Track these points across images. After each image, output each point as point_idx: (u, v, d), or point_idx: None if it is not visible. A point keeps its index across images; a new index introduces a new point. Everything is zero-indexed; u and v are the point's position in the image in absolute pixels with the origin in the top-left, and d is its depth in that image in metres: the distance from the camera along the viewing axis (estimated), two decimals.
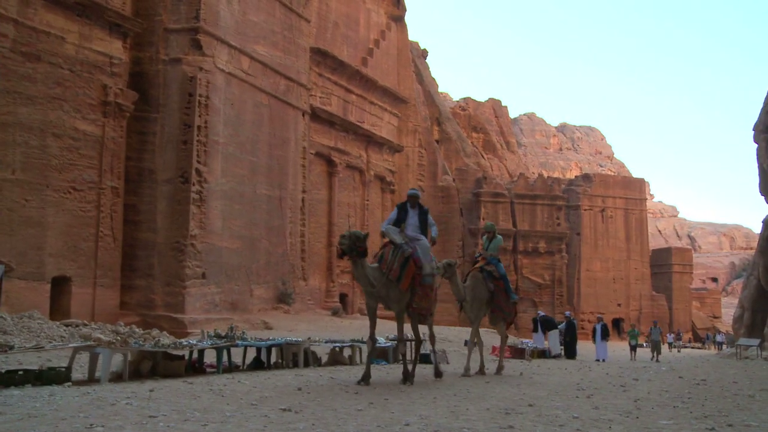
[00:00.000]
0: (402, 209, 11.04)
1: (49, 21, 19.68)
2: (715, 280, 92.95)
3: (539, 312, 31.31)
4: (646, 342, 37.74)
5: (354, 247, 9.94)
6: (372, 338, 10.67)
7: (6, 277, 15.54)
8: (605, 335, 24.81)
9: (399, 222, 10.90)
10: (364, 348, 16.96)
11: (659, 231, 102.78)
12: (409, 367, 10.96)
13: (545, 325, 25.29)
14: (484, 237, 14.07)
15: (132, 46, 22.62)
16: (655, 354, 27.18)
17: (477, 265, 13.58)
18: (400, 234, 10.75)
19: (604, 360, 23.20)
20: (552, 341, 24.32)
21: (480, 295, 13.15)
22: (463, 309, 13.44)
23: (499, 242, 13.83)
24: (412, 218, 11.01)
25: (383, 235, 11.04)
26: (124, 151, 22.05)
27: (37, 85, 19.30)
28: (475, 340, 13.88)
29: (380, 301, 10.64)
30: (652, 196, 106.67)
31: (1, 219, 18.29)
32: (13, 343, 12.96)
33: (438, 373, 11.79)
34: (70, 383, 9.48)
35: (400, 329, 11.24)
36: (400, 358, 13.06)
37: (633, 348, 27.48)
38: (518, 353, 21.95)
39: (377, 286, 10.28)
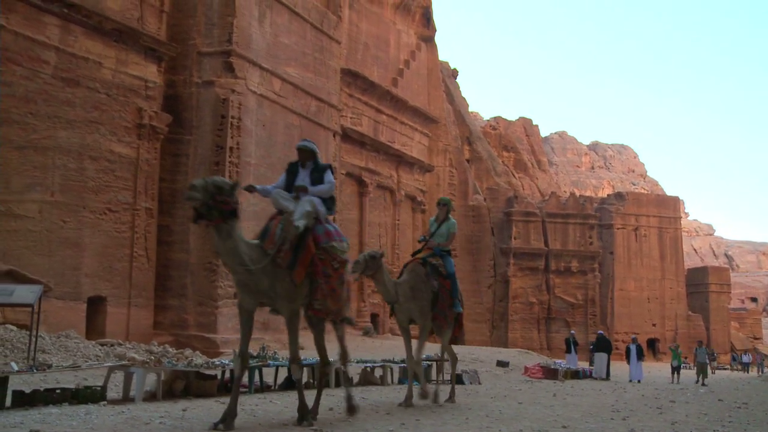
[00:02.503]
0: (291, 170, 7.97)
1: (88, 47, 20.21)
2: (754, 299, 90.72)
3: (571, 331, 30.89)
4: (685, 362, 36.73)
5: (214, 205, 6.65)
6: (243, 355, 7.23)
7: (44, 296, 15.84)
8: (640, 356, 24.31)
9: (288, 188, 7.86)
10: (396, 369, 16.95)
11: (695, 250, 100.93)
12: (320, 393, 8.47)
13: (600, 346, 24.40)
14: (433, 219, 10.62)
15: (166, 69, 23.09)
16: (701, 377, 24.46)
17: (418, 256, 10.30)
18: (293, 201, 7.63)
19: (639, 381, 22.75)
20: (598, 363, 23.66)
21: (420, 295, 9.89)
22: (394, 314, 10.19)
23: (452, 227, 10.50)
24: (304, 181, 7.80)
25: (275, 204, 7.83)
26: (158, 172, 22.43)
27: (76, 110, 19.79)
28: (446, 357, 11.78)
29: (260, 298, 7.33)
30: (687, 214, 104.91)
31: (40, 240, 18.71)
32: (51, 362, 13.20)
33: (351, 408, 8.29)
34: (105, 402, 9.61)
35: (294, 342, 7.49)
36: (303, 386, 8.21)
37: (675, 369, 25.53)
38: (551, 374, 21.65)
39: (256, 272, 6.90)
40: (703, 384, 22.53)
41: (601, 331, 28.72)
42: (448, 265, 10.33)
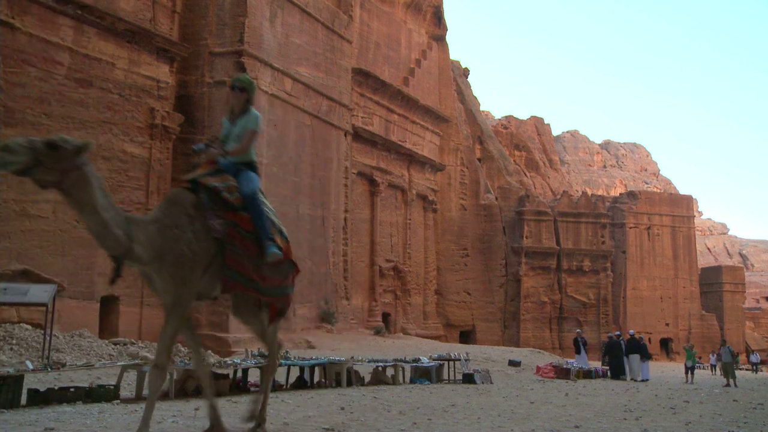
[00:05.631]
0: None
1: (101, 48, 20.35)
2: None
3: (578, 330, 30.69)
4: (699, 362, 36.36)
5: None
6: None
7: (58, 296, 15.96)
8: (644, 354, 23.88)
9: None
10: (407, 368, 16.94)
11: (708, 249, 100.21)
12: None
13: (631, 347, 23.86)
14: (225, 119, 6.46)
15: (178, 69, 23.20)
16: (729, 378, 22.02)
17: (192, 174, 6.08)
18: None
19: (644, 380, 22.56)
20: (633, 365, 23.26)
21: (182, 245, 5.50)
22: (148, 283, 5.93)
23: (251, 122, 6.27)
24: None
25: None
26: (170, 172, 22.54)
27: (89, 110, 19.93)
28: (201, 360, 6.31)
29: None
30: (700, 213, 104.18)
31: (54, 240, 18.84)
32: (65, 360, 13.31)
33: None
34: (118, 401, 9.67)
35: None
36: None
37: (689, 369, 24.86)
38: (563, 373, 21.56)
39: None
40: (735, 385, 20.85)
41: (580, 330, 28.42)
42: (247, 185, 6.04)
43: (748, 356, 52.03)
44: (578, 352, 25.37)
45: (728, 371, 22.62)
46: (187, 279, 5.53)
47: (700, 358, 39.79)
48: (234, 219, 5.84)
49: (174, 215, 5.58)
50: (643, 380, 22.24)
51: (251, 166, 6.31)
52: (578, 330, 31.57)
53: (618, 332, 28.06)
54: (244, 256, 5.84)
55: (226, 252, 5.73)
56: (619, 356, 23.57)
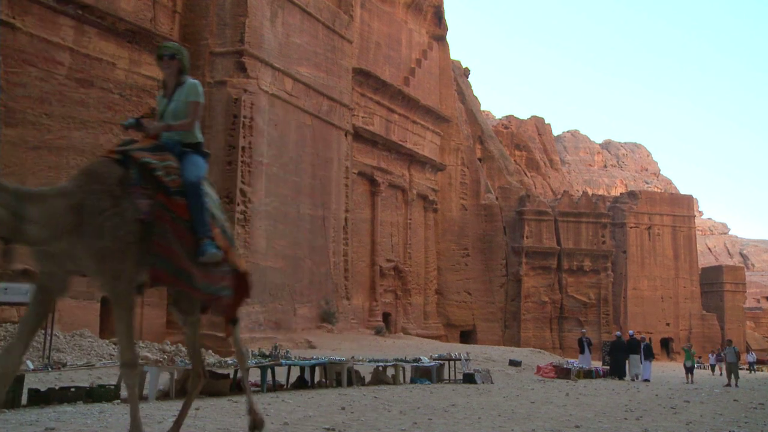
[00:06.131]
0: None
1: (102, 48, 20.36)
2: None
3: (583, 331, 30.69)
4: (699, 362, 36.30)
5: None
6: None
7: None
8: (648, 354, 23.93)
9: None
10: (408, 368, 16.94)
11: (709, 249, 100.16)
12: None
13: (631, 348, 23.92)
14: (161, 96, 5.57)
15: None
16: (732, 378, 22.38)
17: (124, 145, 5.16)
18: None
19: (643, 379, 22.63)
20: (633, 365, 23.35)
21: (97, 227, 4.64)
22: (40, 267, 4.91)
23: (191, 93, 5.42)
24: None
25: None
26: None
27: (90, 110, 19.94)
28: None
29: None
30: (700, 213, 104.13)
31: None
32: (65, 360, 13.31)
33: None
34: (119, 401, 9.67)
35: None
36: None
37: (689, 369, 25.02)
38: (564, 373, 21.56)
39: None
40: (736, 385, 21.18)
41: (632, 332, 28.05)
42: (189, 170, 5.20)
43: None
44: (582, 351, 25.43)
45: (732, 371, 22.70)
46: (120, 272, 4.72)
47: (699, 358, 39.74)
48: (166, 202, 4.94)
49: (94, 195, 4.65)
50: (643, 380, 22.24)
51: (198, 149, 5.48)
52: (583, 330, 31.63)
53: (618, 333, 28.10)
54: (176, 243, 4.91)
55: (153, 236, 4.83)
56: (621, 356, 23.66)
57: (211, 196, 5.54)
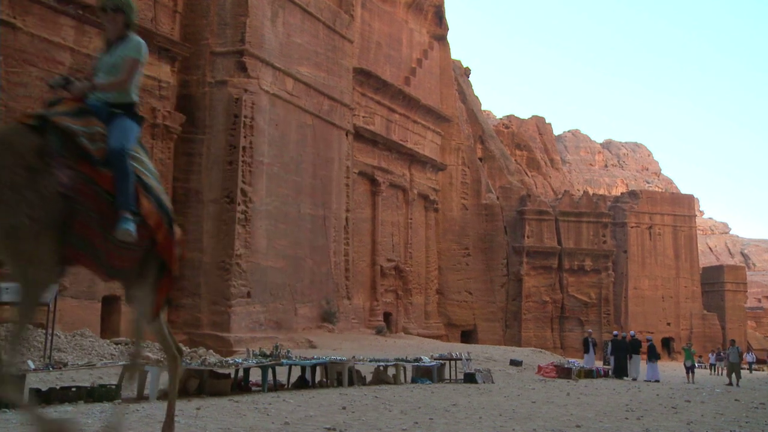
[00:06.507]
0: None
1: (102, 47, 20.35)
2: None
3: (589, 331, 30.69)
4: (700, 362, 36.29)
5: None
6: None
7: (59, 295, 15.98)
8: (652, 355, 24.00)
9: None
10: (409, 367, 16.93)
11: (710, 248, 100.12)
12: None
13: (633, 348, 23.98)
14: (100, 55, 5.10)
15: (180, 69, 23.21)
16: (734, 378, 22.58)
17: (42, 110, 4.48)
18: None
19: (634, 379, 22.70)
20: (634, 366, 23.44)
21: (16, 214, 3.93)
22: None
23: (134, 50, 4.83)
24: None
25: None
26: (172, 172, 22.55)
27: None
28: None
29: None
30: (701, 212, 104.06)
31: None
32: (66, 360, 13.32)
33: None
34: (120, 400, 9.67)
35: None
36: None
37: (689, 369, 25.27)
38: (564, 373, 21.56)
39: None
40: (737, 385, 21.34)
41: (633, 332, 27.99)
42: (114, 135, 4.50)
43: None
44: (587, 351, 25.48)
45: (734, 371, 22.89)
46: (35, 256, 4.00)
47: (699, 357, 39.72)
48: (90, 174, 4.27)
49: (5, 169, 3.95)
50: (654, 380, 22.28)
51: (131, 111, 4.76)
52: (589, 330, 31.72)
53: (615, 332, 28.14)
54: (98, 222, 4.28)
55: (75, 213, 4.18)
56: (623, 356, 23.71)
57: (147, 164, 4.76)
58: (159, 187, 4.80)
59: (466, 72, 52.91)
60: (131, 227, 4.35)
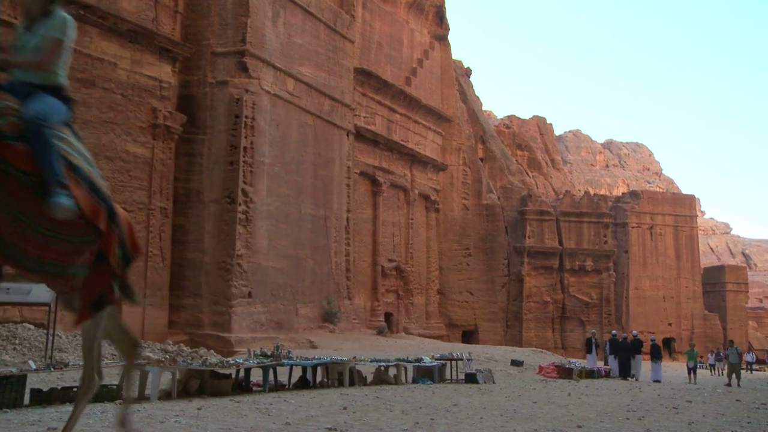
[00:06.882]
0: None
1: (104, 48, 20.37)
2: None
3: (592, 331, 30.67)
4: (701, 363, 36.28)
5: None
6: None
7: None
8: (655, 355, 24.02)
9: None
10: (410, 368, 16.93)
11: (711, 248, 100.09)
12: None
13: (635, 348, 23.98)
14: (23, 28, 4.48)
15: (181, 69, 23.22)
16: (733, 378, 22.55)
17: None
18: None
19: (636, 379, 22.70)
20: (636, 366, 23.48)
21: None
22: None
23: (58, 29, 4.38)
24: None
25: None
26: (173, 172, 22.56)
27: (92, 110, 19.94)
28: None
29: None
30: (702, 212, 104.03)
31: None
32: (67, 360, 13.32)
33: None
34: (120, 400, 9.67)
35: None
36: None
37: (691, 370, 25.33)
38: (565, 373, 21.55)
39: None
40: (738, 386, 21.34)
41: (635, 332, 27.89)
42: (31, 107, 4.05)
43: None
44: (590, 351, 25.48)
45: (734, 371, 22.88)
46: None
47: (701, 358, 39.70)
48: (8, 153, 3.75)
49: None
50: (654, 380, 22.26)
51: (57, 93, 4.34)
52: (592, 331, 31.72)
53: (614, 332, 28.13)
54: (5, 207, 3.74)
55: None
56: (627, 357, 23.66)
57: (76, 146, 4.32)
58: (92, 170, 4.34)
59: (467, 72, 52.89)
60: (67, 201, 3.84)
